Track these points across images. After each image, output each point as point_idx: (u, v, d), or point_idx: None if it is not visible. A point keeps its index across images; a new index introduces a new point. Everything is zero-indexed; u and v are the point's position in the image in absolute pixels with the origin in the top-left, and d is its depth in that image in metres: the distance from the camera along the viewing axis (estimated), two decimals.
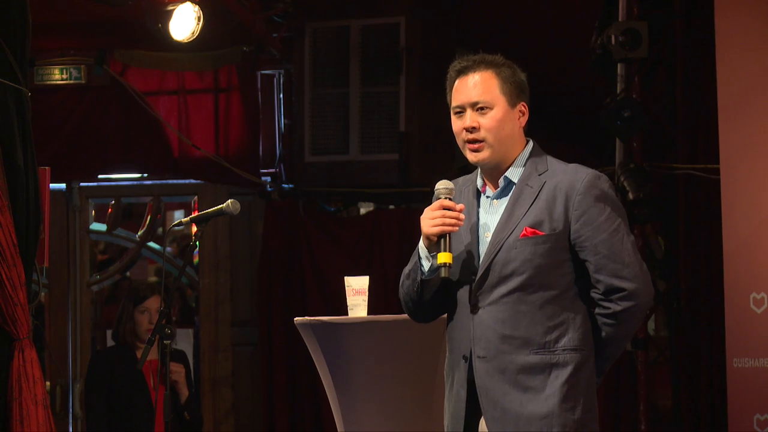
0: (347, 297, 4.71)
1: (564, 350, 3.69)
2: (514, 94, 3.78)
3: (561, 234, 3.71)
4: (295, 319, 4.73)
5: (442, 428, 3.89)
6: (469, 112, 3.76)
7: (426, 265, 3.75)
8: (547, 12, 8.23)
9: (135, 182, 8.99)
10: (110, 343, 7.58)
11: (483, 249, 3.75)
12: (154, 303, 6.68)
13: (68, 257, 8.78)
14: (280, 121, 8.75)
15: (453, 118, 3.82)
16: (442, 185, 3.76)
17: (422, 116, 8.19)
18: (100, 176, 8.85)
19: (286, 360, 8.39)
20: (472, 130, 3.75)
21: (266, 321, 8.50)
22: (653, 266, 7.79)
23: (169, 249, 10.28)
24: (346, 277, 4.74)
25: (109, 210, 9.01)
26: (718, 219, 6.71)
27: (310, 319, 4.67)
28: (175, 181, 8.91)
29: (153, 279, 10.68)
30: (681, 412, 7.87)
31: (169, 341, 4.52)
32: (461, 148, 3.81)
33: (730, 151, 6.63)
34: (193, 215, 4.78)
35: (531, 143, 3.85)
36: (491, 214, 3.79)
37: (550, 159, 3.83)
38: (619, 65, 7.69)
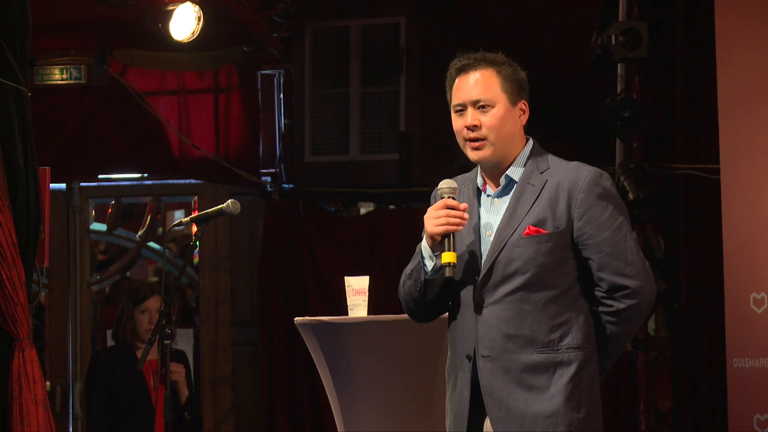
0: (347, 297, 4.71)
1: (568, 349, 3.68)
2: (515, 92, 3.78)
3: (564, 232, 3.71)
4: (295, 319, 4.73)
5: (442, 428, 3.89)
6: (470, 110, 3.75)
7: (429, 264, 3.74)
8: (547, 12, 8.23)
9: (135, 182, 8.99)
10: (110, 343, 7.58)
11: (485, 248, 3.75)
12: (154, 303, 6.68)
13: (68, 257, 8.78)
14: (280, 121, 8.75)
15: (453, 116, 3.80)
16: (445, 184, 3.75)
17: (422, 116, 8.19)
18: (100, 176, 8.85)
19: (286, 360, 8.39)
20: (473, 128, 3.74)
21: (266, 321, 8.50)
22: (653, 266, 7.74)
23: (167, 250, 10.27)
24: (346, 277, 4.74)
25: (109, 210, 9.02)
26: (718, 219, 6.71)
27: (311, 319, 4.67)
28: (175, 181, 8.92)
29: (153, 279, 10.68)
30: (681, 412, 7.87)
31: (169, 341, 4.52)
32: (462, 147, 3.80)
33: (730, 151, 6.63)
34: (193, 215, 4.77)
35: (531, 141, 3.84)
36: (492, 213, 3.79)
37: (551, 157, 3.83)
38: (619, 65, 7.68)
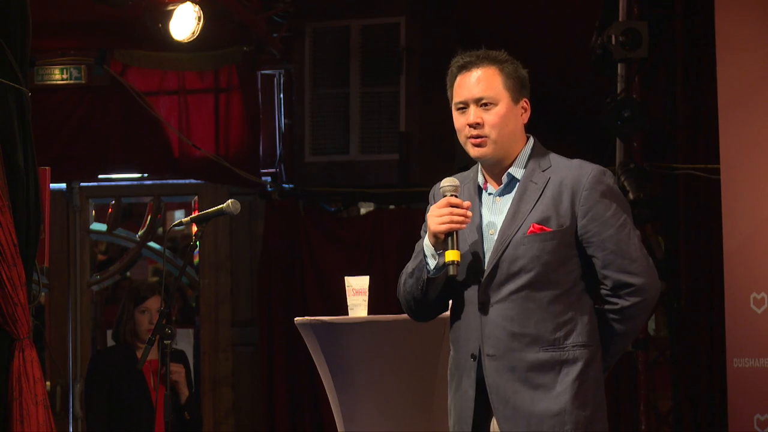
0: (347, 297, 4.71)
1: (573, 347, 3.68)
2: (517, 90, 3.77)
3: (568, 230, 3.70)
4: (296, 319, 4.73)
5: (442, 428, 3.88)
6: (472, 107, 3.74)
7: (432, 263, 3.72)
8: (547, 12, 8.23)
9: (135, 182, 8.99)
10: (110, 343, 7.58)
11: (488, 247, 3.73)
12: (154, 303, 6.68)
13: (68, 257, 8.78)
14: (281, 121, 8.75)
15: (455, 114, 3.79)
16: (447, 182, 3.74)
17: (422, 116, 8.19)
18: (100, 176, 8.85)
19: (286, 360, 8.39)
20: (476, 126, 3.73)
21: (266, 321, 8.50)
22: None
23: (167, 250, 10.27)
24: (346, 277, 4.74)
25: (110, 210, 9.02)
26: (718, 219, 6.71)
27: (311, 319, 4.67)
28: (175, 181, 8.91)
29: (153, 279, 10.68)
30: (681, 412, 7.87)
31: (169, 341, 4.52)
32: (463, 144, 3.79)
33: (730, 151, 6.63)
34: (193, 215, 4.78)
35: (532, 139, 3.83)
36: (495, 211, 3.77)
37: (552, 155, 3.82)
38: (619, 65, 7.68)
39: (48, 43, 8.22)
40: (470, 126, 3.73)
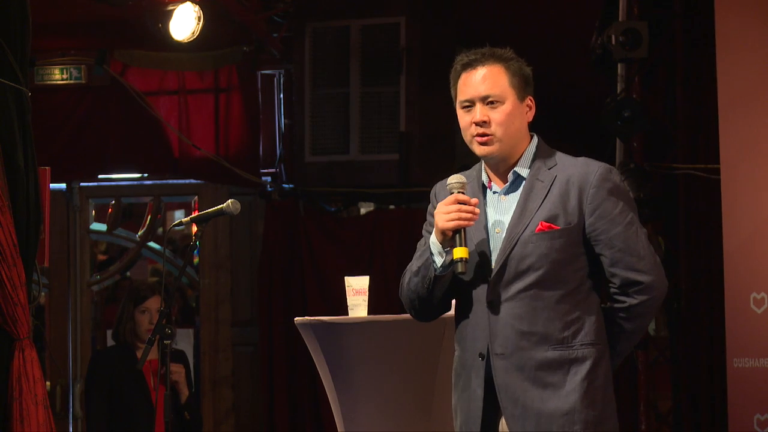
0: (347, 297, 4.71)
1: (582, 345, 3.67)
2: (522, 87, 3.75)
3: (575, 228, 3.69)
4: (296, 319, 4.73)
5: (443, 428, 3.88)
6: (478, 106, 3.72)
7: (439, 260, 3.69)
8: (547, 12, 8.23)
9: (135, 182, 9.00)
10: (110, 343, 7.58)
11: (494, 245, 3.72)
12: (154, 303, 6.68)
13: (68, 257, 8.78)
14: (280, 121, 8.75)
15: (460, 112, 3.76)
16: (454, 179, 3.71)
17: (422, 116, 8.19)
18: (100, 176, 8.85)
19: (286, 360, 8.39)
20: (482, 124, 3.70)
21: (266, 321, 8.50)
22: None
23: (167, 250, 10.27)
24: (346, 277, 4.74)
25: (109, 210, 9.02)
26: (718, 219, 6.71)
27: (311, 319, 4.67)
28: (175, 181, 8.92)
29: (153, 279, 10.67)
30: (681, 412, 7.87)
31: (169, 341, 4.52)
32: (468, 142, 3.76)
33: (730, 151, 6.63)
34: (193, 215, 4.77)
35: (536, 138, 3.82)
36: (501, 210, 3.76)
37: (558, 153, 3.81)
38: (619, 65, 7.68)
39: (48, 43, 8.22)
40: (476, 124, 3.71)
